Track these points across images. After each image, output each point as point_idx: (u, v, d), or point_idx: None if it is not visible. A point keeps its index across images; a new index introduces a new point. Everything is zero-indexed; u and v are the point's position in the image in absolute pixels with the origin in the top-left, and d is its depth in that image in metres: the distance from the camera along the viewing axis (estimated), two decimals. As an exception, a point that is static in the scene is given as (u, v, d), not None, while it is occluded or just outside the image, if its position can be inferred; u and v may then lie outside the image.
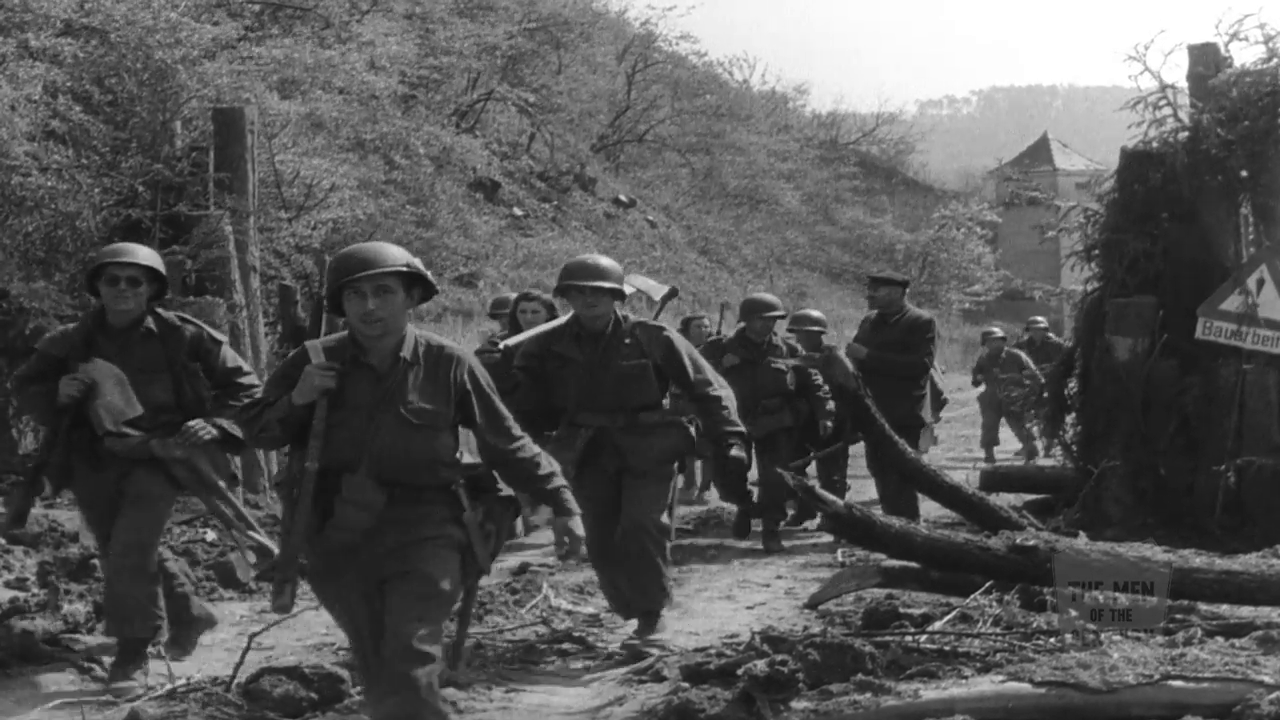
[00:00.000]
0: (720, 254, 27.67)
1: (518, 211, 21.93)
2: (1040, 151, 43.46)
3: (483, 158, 19.60)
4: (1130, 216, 8.71)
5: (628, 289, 6.06)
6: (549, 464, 4.16)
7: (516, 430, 4.12)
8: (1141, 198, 8.68)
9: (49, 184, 9.58)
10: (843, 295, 28.35)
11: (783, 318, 9.28)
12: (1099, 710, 4.21)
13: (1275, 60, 8.60)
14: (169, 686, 5.13)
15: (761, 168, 31.42)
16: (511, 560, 8.16)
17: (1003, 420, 15.11)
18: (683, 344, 5.93)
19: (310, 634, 6.15)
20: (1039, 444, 13.65)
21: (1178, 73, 9.02)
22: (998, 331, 16.32)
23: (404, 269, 3.92)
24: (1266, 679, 4.16)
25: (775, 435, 8.93)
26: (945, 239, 33.50)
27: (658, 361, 5.82)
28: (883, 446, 8.12)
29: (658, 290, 7.84)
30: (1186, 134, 8.66)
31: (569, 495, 4.19)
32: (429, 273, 4.11)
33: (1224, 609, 5.31)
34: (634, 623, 6.05)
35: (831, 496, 5.62)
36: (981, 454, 14.95)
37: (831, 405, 8.95)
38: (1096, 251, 9.02)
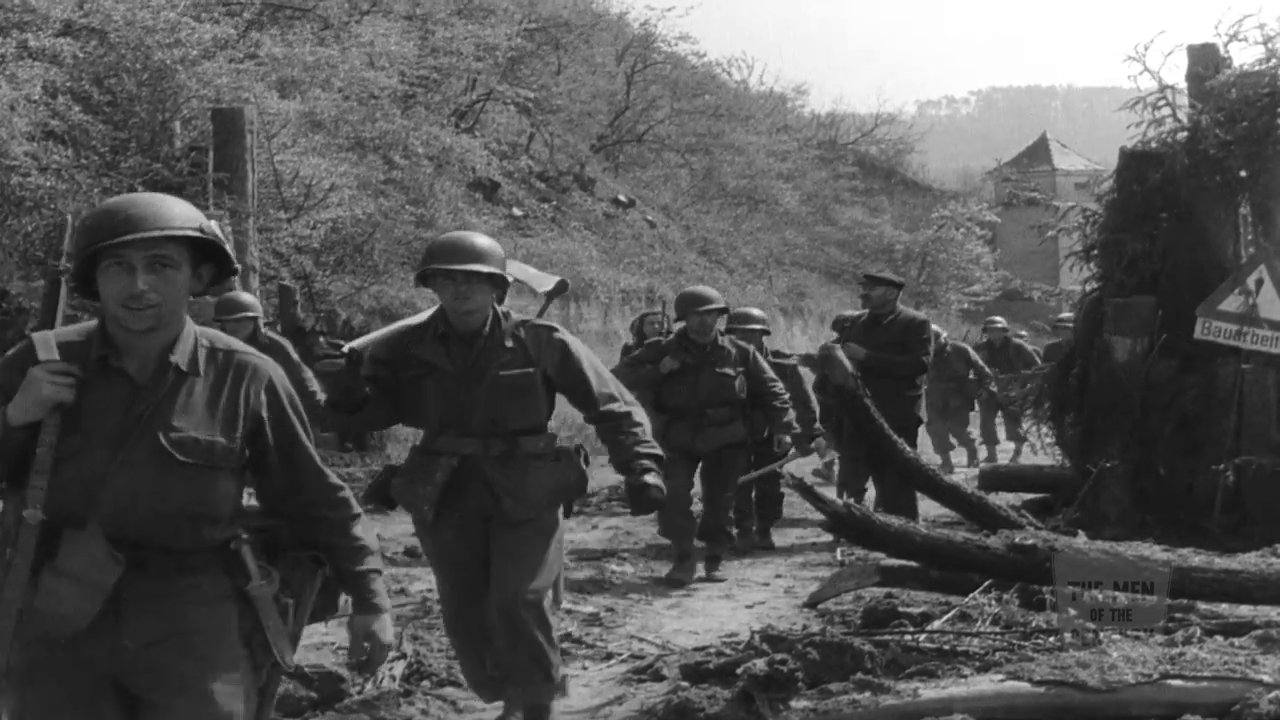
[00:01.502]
0: (719, 254, 27.65)
1: (517, 211, 21.91)
2: (1039, 152, 43.45)
3: (482, 158, 19.58)
4: (1129, 217, 8.72)
5: (513, 275, 4.71)
6: (366, 533, 2.94)
7: (333, 478, 2.92)
8: (1140, 198, 8.69)
9: (49, 184, 9.59)
10: (842, 295, 28.32)
11: (724, 312, 8.14)
12: (1098, 709, 4.21)
13: (1274, 61, 8.60)
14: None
15: (760, 168, 31.40)
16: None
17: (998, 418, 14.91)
18: (581, 350, 4.59)
19: (310, 633, 6.14)
20: (1031, 443, 13.54)
21: (1177, 73, 9.04)
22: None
23: (194, 234, 2.69)
24: (1265, 678, 4.16)
25: (724, 451, 7.85)
26: (944, 239, 33.49)
27: (548, 371, 4.51)
28: (882, 446, 8.14)
29: (543, 281, 6.27)
30: (1185, 134, 8.67)
31: (380, 586, 2.95)
32: (229, 244, 3.15)
33: (1223, 608, 5.31)
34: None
35: (830, 496, 5.64)
36: (983, 452, 14.77)
37: (791, 417, 8.05)
38: (1095, 252, 9.03)
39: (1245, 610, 5.26)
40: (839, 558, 8.06)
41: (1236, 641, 4.60)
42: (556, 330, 4.59)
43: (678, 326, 8.12)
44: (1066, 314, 15.62)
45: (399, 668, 5.23)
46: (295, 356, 8.01)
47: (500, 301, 4.59)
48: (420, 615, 6.39)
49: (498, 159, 21.19)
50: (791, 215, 32.46)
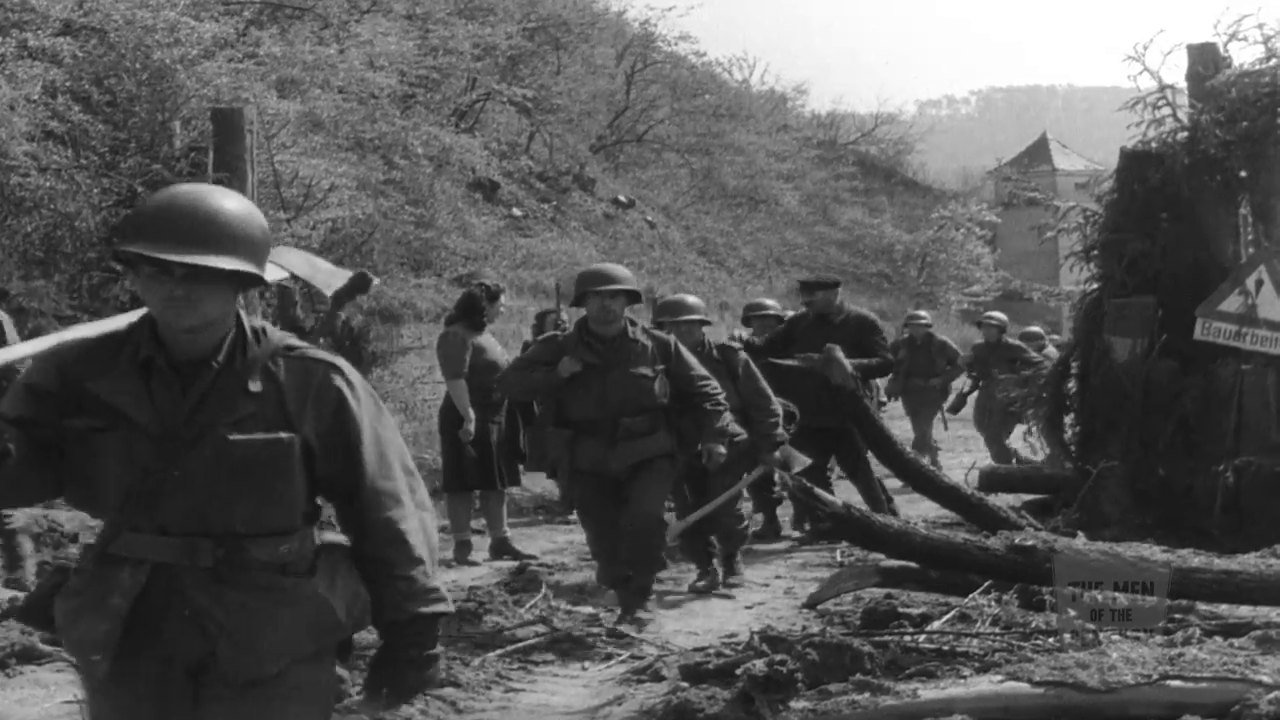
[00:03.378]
0: (719, 254, 27.67)
1: (517, 212, 21.92)
2: (1039, 152, 43.45)
3: (482, 158, 19.58)
4: (1129, 217, 8.71)
5: (274, 272, 2.97)
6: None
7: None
8: (1140, 198, 8.68)
9: (48, 184, 9.59)
10: (842, 295, 28.40)
11: (634, 296, 6.49)
12: (1098, 710, 4.21)
13: (1274, 60, 8.59)
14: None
15: (760, 168, 31.42)
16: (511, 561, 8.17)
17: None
18: (369, 407, 2.66)
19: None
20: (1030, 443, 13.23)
21: (1177, 73, 9.02)
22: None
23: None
24: (1265, 679, 4.16)
25: (644, 467, 6.39)
26: (944, 239, 33.49)
27: (312, 436, 2.59)
28: (883, 447, 8.14)
29: (333, 277, 3.99)
30: (1185, 134, 8.66)
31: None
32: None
33: (1223, 609, 5.31)
34: None
35: (830, 496, 5.63)
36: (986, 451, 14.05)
37: (726, 421, 6.64)
38: (1095, 252, 9.02)
39: (1245, 611, 5.26)
40: (839, 558, 8.06)
41: (1236, 642, 4.60)
42: (338, 369, 2.65)
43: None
44: (994, 313, 14.65)
45: (398, 668, 5.20)
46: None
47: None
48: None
49: (497, 159, 21.20)
50: (791, 215, 32.49)
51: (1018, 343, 13.71)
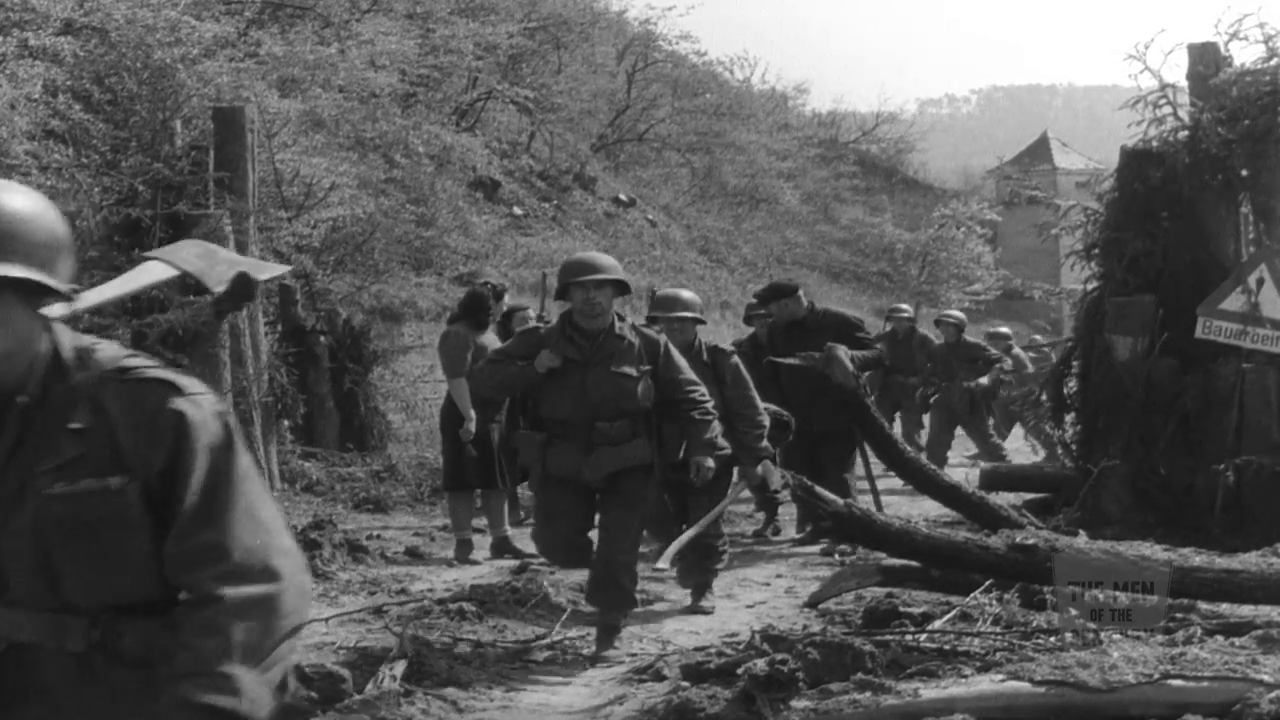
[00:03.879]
0: (720, 253, 27.66)
1: (517, 211, 21.92)
2: (1040, 150, 43.44)
3: (483, 157, 19.59)
4: (1130, 215, 8.71)
5: (161, 270, 2.71)
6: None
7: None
8: (1141, 197, 8.68)
9: (49, 183, 9.56)
10: (842, 294, 28.34)
11: (621, 287, 5.90)
12: (1099, 709, 4.21)
13: (1275, 59, 8.60)
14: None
15: (761, 167, 31.42)
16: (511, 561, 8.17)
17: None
18: (213, 420, 2.07)
19: (310, 633, 6.15)
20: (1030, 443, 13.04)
21: (1178, 72, 9.03)
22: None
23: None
24: (1266, 678, 4.15)
25: (622, 480, 5.83)
26: (945, 238, 33.43)
27: (154, 478, 2.04)
28: (883, 447, 8.14)
29: (231, 269, 3.39)
30: (1186, 133, 8.66)
31: None
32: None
33: (1224, 608, 5.32)
34: None
35: (831, 495, 5.63)
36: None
37: (715, 431, 6.07)
38: (1096, 250, 9.02)
39: (1246, 610, 5.26)
40: (836, 557, 8.06)
41: (1237, 641, 4.60)
42: (177, 388, 2.07)
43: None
44: (952, 312, 14.29)
45: (399, 668, 5.22)
46: None
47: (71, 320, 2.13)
48: (420, 615, 6.39)
49: (498, 158, 21.21)
50: (792, 214, 32.48)
51: (977, 341, 13.48)
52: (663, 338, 6.13)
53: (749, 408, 6.66)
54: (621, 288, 5.89)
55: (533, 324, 7.29)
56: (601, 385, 5.74)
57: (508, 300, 9.52)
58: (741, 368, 6.85)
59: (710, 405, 6.03)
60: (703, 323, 7.09)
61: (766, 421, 6.73)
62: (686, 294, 7.35)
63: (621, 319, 5.92)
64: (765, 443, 6.68)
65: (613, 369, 5.75)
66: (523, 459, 6.38)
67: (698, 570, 6.89)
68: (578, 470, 5.82)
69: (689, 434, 5.95)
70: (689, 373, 6.01)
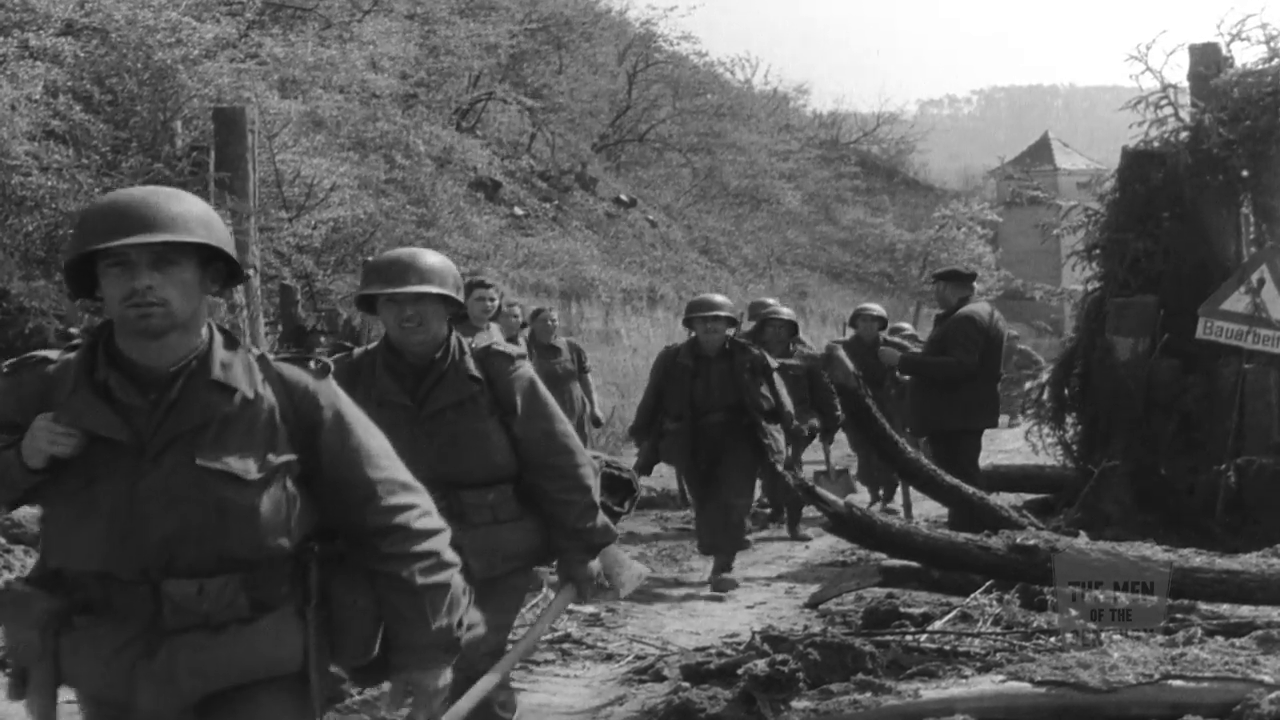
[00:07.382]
0: (721, 253, 27.64)
1: (518, 211, 21.90)
2: (1041, 151, 43.47)
3: (483, 157, 19.56)
4: (1131, 216, 8.71)
5: None
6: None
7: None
8: (1143, 197, 8.68)
9: (49, 183, 9.57)
10: (843, 294, 28.35)
11: (454, 302, 4.02)
12: (1099, 710, 4.21)
13: (1277, 60, 8.59)
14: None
15: (762, 167, 31.40)
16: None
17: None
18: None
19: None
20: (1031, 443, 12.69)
21: (1179, 72, 9.03)
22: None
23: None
24: (1266, 678, 4.15)
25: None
26: (946, 238, 33.47)
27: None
28: (884, 447, 8.13)
29: None
30: (1188, 134, 8.66)
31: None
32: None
33: (1224, 608, 5.31)
34: None
35: (832, 496, 5.63)
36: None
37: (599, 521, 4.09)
38: (1097, 251, 9.02)
39: (1246, 611, 5.25)
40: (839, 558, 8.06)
41: (1238, 642, 4.60)
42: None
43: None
44: (871, 303, 12.00)
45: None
46: None
47: None
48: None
49: (499, 158, 21.20)
50: (793, 215, 32.46)
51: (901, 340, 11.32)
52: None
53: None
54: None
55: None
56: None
57: (494, 295, 9.40)
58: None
59: (588, 471, 3.99)
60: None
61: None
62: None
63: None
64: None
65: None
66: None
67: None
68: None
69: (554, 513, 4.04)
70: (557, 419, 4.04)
